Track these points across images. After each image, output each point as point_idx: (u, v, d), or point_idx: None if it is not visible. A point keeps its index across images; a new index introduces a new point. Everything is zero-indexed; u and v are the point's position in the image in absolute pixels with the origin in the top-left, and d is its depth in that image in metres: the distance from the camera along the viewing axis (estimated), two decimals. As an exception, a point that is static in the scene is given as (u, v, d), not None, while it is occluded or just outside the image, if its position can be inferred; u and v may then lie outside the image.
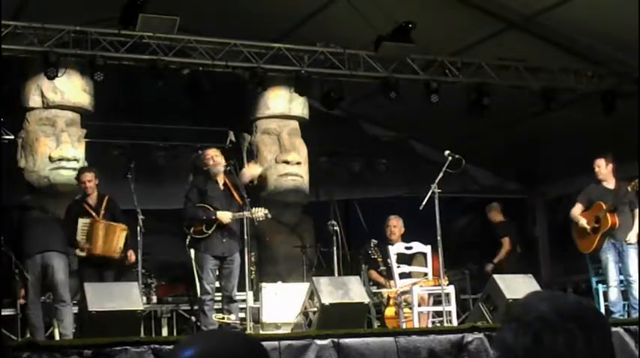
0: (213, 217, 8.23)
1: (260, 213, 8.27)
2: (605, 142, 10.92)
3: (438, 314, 8.61)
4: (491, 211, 11.91)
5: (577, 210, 9.23)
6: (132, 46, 9.49)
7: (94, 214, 8.56)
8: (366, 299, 7.94)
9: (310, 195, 11.86)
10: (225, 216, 8.23)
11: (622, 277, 8.90)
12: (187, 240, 8.40)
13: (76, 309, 8.25)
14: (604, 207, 8.96)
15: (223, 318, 8.24)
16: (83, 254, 8.49)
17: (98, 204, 8.64)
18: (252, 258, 8.86)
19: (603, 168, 9.20)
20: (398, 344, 6.81)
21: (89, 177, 8.68)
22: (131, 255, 8.63)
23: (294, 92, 10.67)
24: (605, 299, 9.30)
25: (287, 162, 11.36)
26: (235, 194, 8.41)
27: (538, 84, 10.79)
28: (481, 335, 7.04)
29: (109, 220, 8.57)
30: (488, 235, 11.94)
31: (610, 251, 8.94)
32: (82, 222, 8.52)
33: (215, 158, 8.43)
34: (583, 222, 9.06)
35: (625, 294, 8.96)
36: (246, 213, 8.21)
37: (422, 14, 9.75)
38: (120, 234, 8.51)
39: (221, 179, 8.48)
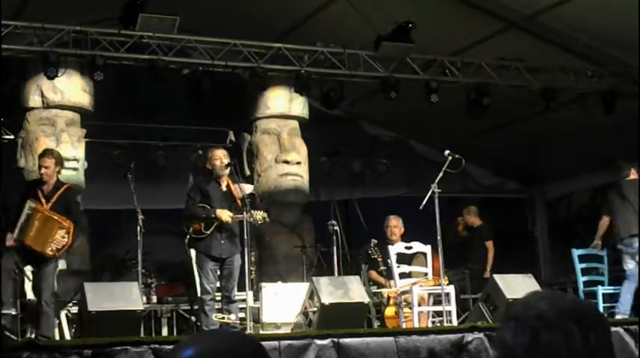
0: (213, 215, 8.24)
1: (259, 216, 8.27)
2: (605, 142, 10.96)
3: (438, 314, 8.61)
4: (470, 215, 11.80)
5: None
6: (132, 46, 9.49)
7: (42, 201, 7.82)
8: (366, 299, 7.94)
9: (310, 195, 11.86)
10: (224, 215, 8.23)
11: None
12: (187, 239, 8.42)
13: (75, 309, 8.27)
14: None
15: (223, 318, 8.24)
16: (9, 243, 7.77)
17: (52, 192, 7.90)
18: (252, 258, 8.86)
19: None
20: (398, 344, 6.81)
21: (48, 162, 7.94)
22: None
23: (294, 92, 10.67)
24: (604, 300, 9.37)
25: (287, 162, 11.37)
26: (236, 195, 8.41)
27: (538, 84, 10.79)
28: (481, 335, 7.04)
29: (58, 212, 7.79)
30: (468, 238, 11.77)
31: None
32: (29, 205, 7.78)
33: (223, 159, 8.42)
34: None
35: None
36: (246, 216, 8.21)
37: (422, 14, 9.75)
38: (58, 231, 7.70)
39: (224, 181, 8.48)
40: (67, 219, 7.78)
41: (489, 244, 11.29)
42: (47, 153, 8.18)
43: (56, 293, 8.84)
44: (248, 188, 9.66)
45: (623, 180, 9.42)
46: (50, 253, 7.70)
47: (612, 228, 9.50)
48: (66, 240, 7.74)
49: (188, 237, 8.39)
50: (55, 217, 7.75)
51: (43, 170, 7.94)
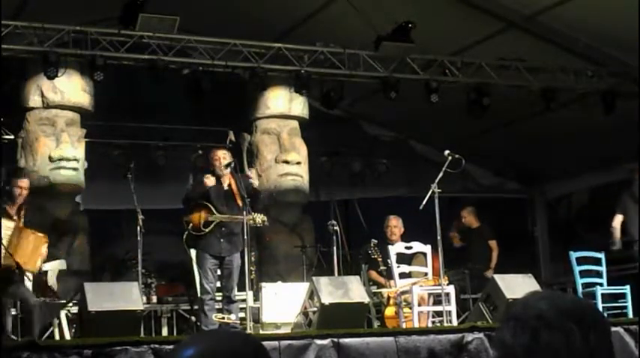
0: (204, 190, 8.30)
1: (258, 219, 8.27)
2: (605, 142, 10.96)
3: (438, 314, 8.60)
4: (469, 215, 11.73)
5: None
6: (132, 46, 9.50)
7: (15, 218, 7.78)
8: (366, 299, 7.93)
9: (310, 195, 11.86)
10: (209, 180, 8.28)
11: None
12: (184, 235, 8.42)
13: (75, 309, 8.27)
14: None
15: (223, 318, 8.25)
16: None
17: (18, 211, 7.91)
18: (252, 258, 8.86)
19: None
20: (398, 344, 6.81)
21: (25, 184, 8.03)
22: None
23: (294, 92, 10.67)
24: (603, 300, 9.39)
25: (287, 162, 11.37)
26: (237, 195, 8.42)
27: (538, 84, 10.79)
28: (481, 335, 7.04)
29: (31, 228, 7.85)
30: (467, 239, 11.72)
31: None
32: (6, 225, 7.61)
33: (223, 159, 8.44)
34: None
35: None
36: (245, 217, 8.20)
37: (422, 14, 9.75)
38: (43, 246, 7.82)
39: (225, 180, 8.49)
40: (43, 233, 7.95)
41: (493, 243, 11.27)
42: (24, 174, 8.31)
43: (56, 293, 8.87)
44: (252, 178, 9.63)
45: (635, 182, 9.41)
46: (35, 270, 7.86)
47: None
48: (46, 252, 7.91)
49: (186, 233, 8.40)
50: (40, 235, 7.87)
51: (22, 191, 7.93)
